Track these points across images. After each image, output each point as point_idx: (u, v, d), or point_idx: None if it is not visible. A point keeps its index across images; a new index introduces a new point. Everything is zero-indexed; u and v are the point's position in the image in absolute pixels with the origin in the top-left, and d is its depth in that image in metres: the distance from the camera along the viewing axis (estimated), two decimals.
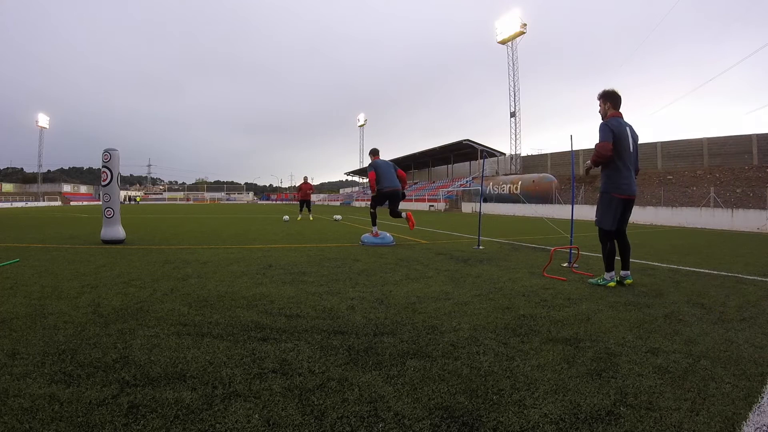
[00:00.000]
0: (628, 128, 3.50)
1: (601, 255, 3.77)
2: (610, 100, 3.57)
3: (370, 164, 6.71)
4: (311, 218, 13.97)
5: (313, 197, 14.27)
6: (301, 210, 14.13)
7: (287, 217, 13.29)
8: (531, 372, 1.71)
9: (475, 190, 32.24)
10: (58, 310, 2.49)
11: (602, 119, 3.55)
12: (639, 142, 3.66)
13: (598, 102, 3.66)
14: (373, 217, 6.82)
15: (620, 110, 3.58)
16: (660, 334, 2.23)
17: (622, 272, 3.59)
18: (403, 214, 6.71)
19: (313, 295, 3.02)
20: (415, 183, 49.70)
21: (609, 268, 3.54)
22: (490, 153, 35.64)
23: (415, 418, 1.33)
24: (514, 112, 37.37)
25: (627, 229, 3.79)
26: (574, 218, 5.30)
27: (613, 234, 3.61)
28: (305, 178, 14.23)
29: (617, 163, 3.44)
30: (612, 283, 3.48)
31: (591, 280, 3.72)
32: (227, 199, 78.69)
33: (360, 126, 72.45)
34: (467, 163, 41.28)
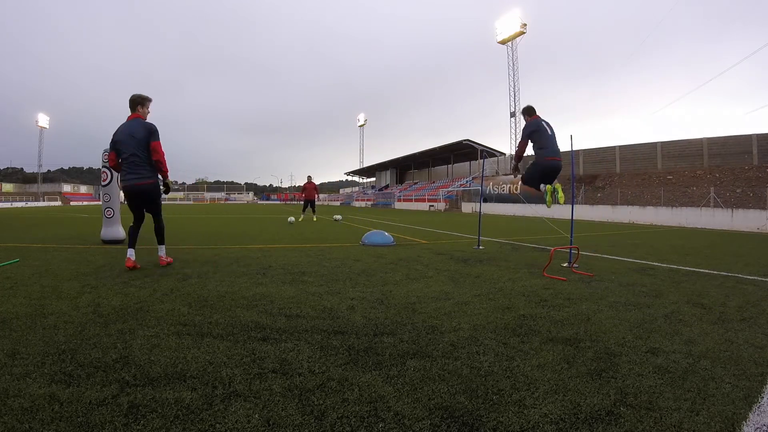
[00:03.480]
0: (543, 122, 4.63)
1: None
2: (526, 113, 4.84)
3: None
4: (315, 219, 13.87)
5: None
6: (304, 210, 13.87)
7: (292, 218, 13.05)
8: (531, 372, 1.71)
9: (475, 190, 32.24)
10: (58, 310, 2.49)
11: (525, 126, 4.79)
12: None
13: (524, 117, 4.88)
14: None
15: (537, 114, 4.79)
16: (660, 334, 2.23)
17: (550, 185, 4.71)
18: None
19: (313, 295, 3.02)
20: (415, 183, 49.70)
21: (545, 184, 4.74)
22: (490, 153, 35.64)
23: (415, 418, 1.33)
24: (514, 112, 37.39)
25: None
26: (574, 218, 5.29)
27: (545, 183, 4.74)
28: (309, 178, 14.09)
29: (542, 143, 4.58)
30: (548, 187, 4.67)
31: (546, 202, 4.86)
32: (227, 199, 78.67)
33: (360, 126, 72.45)
34: (467, 163, 41.28)
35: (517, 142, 36.88)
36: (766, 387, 1.59)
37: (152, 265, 4.19)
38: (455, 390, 1.54)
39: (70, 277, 3.53)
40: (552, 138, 4.63)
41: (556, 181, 4.71)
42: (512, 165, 5.01)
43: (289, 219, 12.91)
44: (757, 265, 4.96)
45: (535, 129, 4.57)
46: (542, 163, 4.55)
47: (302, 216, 13.91)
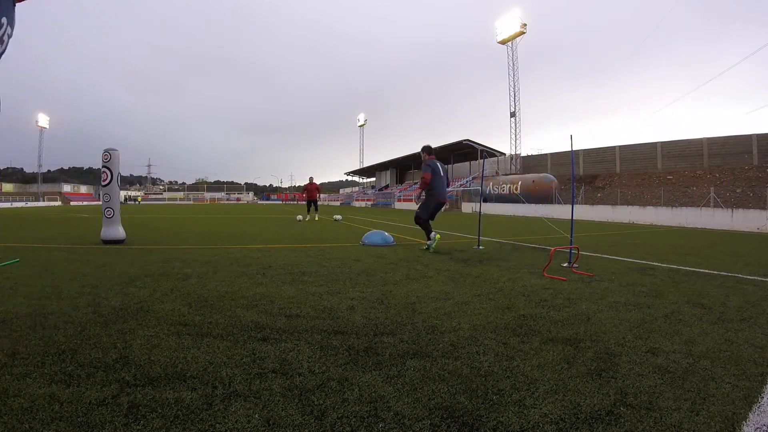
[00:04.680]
0: (438, 163, 6.09)
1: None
2: (426, 152, 6.18)
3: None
4: (317, 218, 13.90)
5: None
6: (309, 209, 13.99)
7: (300, 216, 13.40)
8: (531, 372, 1.71)
9: (475, 190, 32.24)
10: (58, 310, 2.49)
11: (423, 162, 6.14)
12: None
13: (422, 154, 6.21)
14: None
15: (433, 155, 6.19)
16: (660, 334, 2.23)
17: (433, 233, 5.84)
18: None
19: (313, 295, 3.02)
20: (415, 183, 49.67)
21: (428, 234, 5.88)
22: (490, 153, 35.64)
23: (415, 418, 1.33)
24: (514, 112, 37.38)
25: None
26: (574, 218, 5.30)
27: (429, 219, 6.00)
28: (311, 179, 14.27)
29: (433, 183, 5.95)
30: (438, 236, 5.82)
31: (423, 247, 5.97)
32: (227, 199, 78.65)
33: (360, 126, 72.42)
34: (467, 163, 41.27)
35: (513, 142, 36.63)
36: (766, 387, 1.59)
37: (152, 265, 4.19)
38: (455, 390, 1.54)
39: (70, 277, 3.53)
40: (442, 179, 6.01)
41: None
42: (417, 194, 6.17)
43: (297, 217, 13.24)
44: (757, 265, 4.96)
45: (434, 169, 5.93)
46: (433, 202, 5.99)
47: (308, 216, 14.01)
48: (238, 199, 78.87)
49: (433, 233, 5.82)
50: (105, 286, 3.16)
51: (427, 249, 5.77)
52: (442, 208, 6.13)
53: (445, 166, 6.20)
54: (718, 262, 5.16)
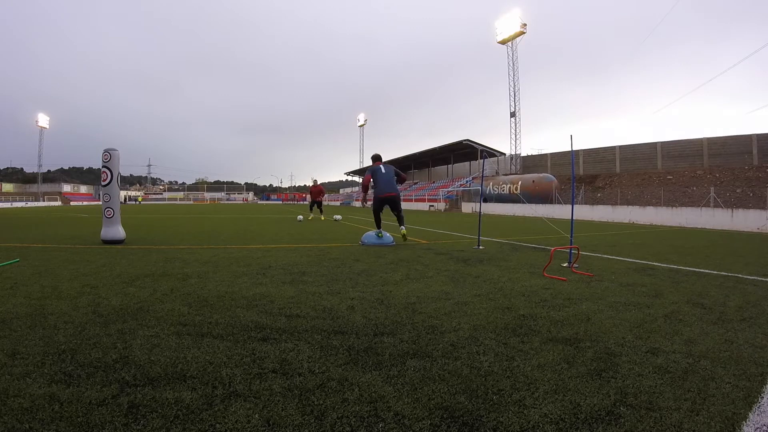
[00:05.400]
0: (382, 166, 6.74)
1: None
2: (372, 159, 6.97)
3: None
4: (322, 218, 14.16)
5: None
6: (311, 209, 14.50)
7: (301, 216, 14.02)
8: (531, 372, 1.71)
9: (475, 190, 32.23)
10: (58, 310, 2.49)
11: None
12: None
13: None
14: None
15: (380, 162, 6.91)
16: (660, 334, 2.23)
17: (401, 227, 6.58)
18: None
19: (313, 295, 3.02)
20: (415, 183, 49.70)
21: (378, 226, 6.73)
22: (490, 153, 35.63)
23: (415, 418, 1.33)
24: (514, 112, 37.36)
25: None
26: (574, 218, 5.29)
27: (380, 211, 6.79)
28: (314, 181, 14.56)
29: (375, 183, 6.68)
30: (380, 234, 6.52)
31: (368, 238, 6.58)
32: (227, 199, 78.63)
33: (360, 126, 72.39)
34: (467, 163, 41.24)
35: (513, 142, 36.80)
36: (766, 387, 1.59)
37: (152, 265, 4.19)
38: (455, 390, 1.54)
39: (70, 277, 3.53)
40: (386, 177, 6.63)
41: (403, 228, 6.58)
42: (362, 198, 6.99)
43: (297, 217, 13.92)
44: (757, 265, 4.96)
45: (373, 171, 6.67)
46: (377, 199, 6.66)
47: (311, 215, 14.45)
48: (245, 200, 78.90)
49: (379, 231, 6.58)
50: (105, 286, 3.17)
51: (380, 236, 6.52)
52: (396, 203, 6.69)
53: (391, 167, 6.79)
54: (718, 262, 5.16)
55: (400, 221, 6.66)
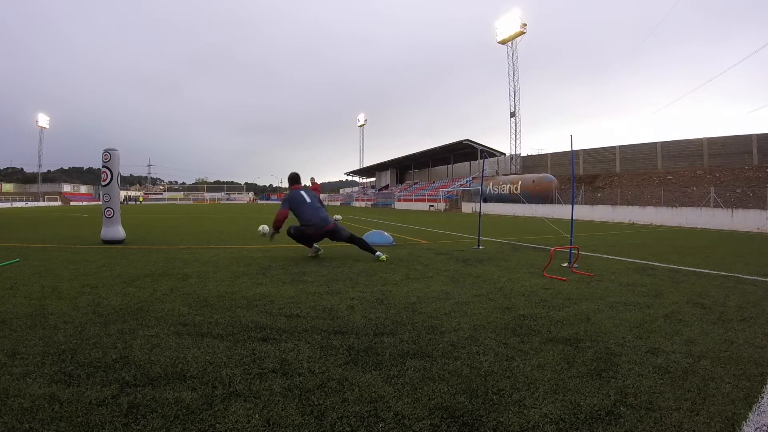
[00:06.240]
0: (303, 192, 5.00)
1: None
2: (290, 181, 5.25)
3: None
4: None
5: None
6: None
7: (338, 216, 13.19)
8: (531, 372, 1.71)
9: (475, 190, 32.24)
10: (58, 310, 2.49)
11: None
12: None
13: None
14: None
15: (300, 183, 5.27)
16: (660, 334, 2.23)
17: (377, 254, 4.89)
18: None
19: (313, 295, 3.02)
20: (415, 183, 49.72)
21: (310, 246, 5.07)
22: (490, 153, 35.64)
23: (415, 418, 1.33)
24: (514, 112, 37.36)
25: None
26: (574, 218, 5.30)
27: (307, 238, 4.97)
28: (312, 180, 14.21)
29: (303, 216, 4.86)
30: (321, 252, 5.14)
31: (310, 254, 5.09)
32: (227, 199, 78.64)
33: (360, 126, 72.39)
34: (467, 163, 41.26)
35: (513, 142, 36.52)
36: (766, 387, 1.59)
37: (152, 265, 4.19)
38: (455, 390, 1.54)
39: (70, 277, 3.53)
40: (311, 206, 4.90)
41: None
42: (270, 233, 4.99)
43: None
44: (757, 265, 4.96)
45: (292, 199, 4.94)
46: (307, 233, 4.89)
47: None
48: (253, 200, 78.85)
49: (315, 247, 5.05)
50: (105, 286, 3.17)
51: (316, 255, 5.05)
52: (339, 234, 4.97)
53: (313, 193, 5.09)
54: (718, 262, 5.16)
55: (366, 247, 5.04)
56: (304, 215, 4.84)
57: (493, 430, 1.28)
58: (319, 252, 5.11)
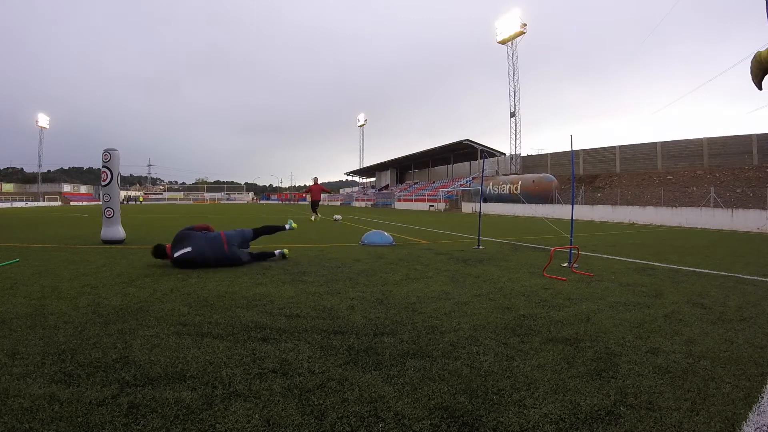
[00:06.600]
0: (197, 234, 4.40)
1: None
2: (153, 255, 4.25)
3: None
4: (319, 218, 13.81)
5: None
6: (314, 209, 13.78)
7: (338, 216, 13.03)
8: (531, 372, 1.71)
9: (475, 190, 32.24)
10: (58, 310, 2.49)
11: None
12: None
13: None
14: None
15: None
16: (660, 334, 2.23)
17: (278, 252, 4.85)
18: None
19: (313, 295, 3.02)
20: (415, 183, 49.71)
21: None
22: (490, 153, 35.64)
23: (415, 418, 1.33)
24: (514, 112, 37.36)
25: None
26: (574, 218, 5.30)
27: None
28: (315, 180, 13.99)
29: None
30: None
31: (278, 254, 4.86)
32: (227, 199, 78.63)
33: (360, 126, 72.39)
34: (467, 163, 41.25)
35: (513, 142, 36.29)
36: (766, 387, 1.59)
37: (152, 265, 4.19)
38: (455, 390, 1.54)
39: (70, 277, 3.53)
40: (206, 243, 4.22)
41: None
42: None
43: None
44: (757, 265, 4.96)
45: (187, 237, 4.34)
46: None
47: (316, 216, 13.64)
48: (255, 200, 78.77)
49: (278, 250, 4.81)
50: (105, 286, 3.17)
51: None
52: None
53: (215, 235, 4.44)
54: (718, 262, 5.16)
55: (272, 230, 5.01)
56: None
57: (493, 430, 1.28)
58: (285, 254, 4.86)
